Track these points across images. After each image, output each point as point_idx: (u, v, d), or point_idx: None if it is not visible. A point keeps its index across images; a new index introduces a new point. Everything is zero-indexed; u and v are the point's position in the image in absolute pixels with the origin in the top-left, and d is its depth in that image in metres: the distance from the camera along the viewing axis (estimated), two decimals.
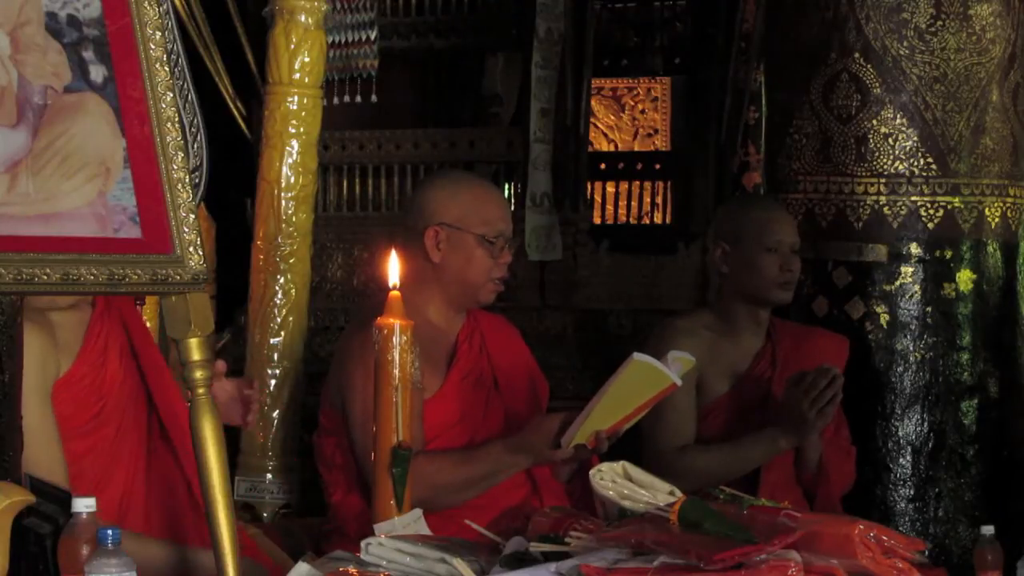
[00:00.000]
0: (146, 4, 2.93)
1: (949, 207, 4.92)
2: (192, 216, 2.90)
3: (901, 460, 4.88)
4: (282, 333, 5.22)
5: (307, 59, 5.26)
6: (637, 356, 3.62)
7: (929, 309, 4.92)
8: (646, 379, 3.66)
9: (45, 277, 2.68)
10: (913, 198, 4.92)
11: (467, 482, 3.90)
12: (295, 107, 5.27)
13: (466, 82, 8.17)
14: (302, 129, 5.29)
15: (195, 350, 2.91)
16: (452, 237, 4.00)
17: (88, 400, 3.36)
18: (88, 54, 2.84)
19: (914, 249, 4.92)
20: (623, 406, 3.72)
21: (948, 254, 4.93)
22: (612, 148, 11.65)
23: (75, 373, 3.35)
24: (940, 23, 4.91)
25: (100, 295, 3.34)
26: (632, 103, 11.69)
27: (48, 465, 3.16)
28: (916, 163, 4.92)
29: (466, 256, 4.00)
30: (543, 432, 3.83)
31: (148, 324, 6.31)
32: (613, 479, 3.08)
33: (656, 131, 11.68)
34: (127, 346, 3.47)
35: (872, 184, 4.93)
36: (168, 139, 2.90)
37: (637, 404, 3.73)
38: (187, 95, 3.02)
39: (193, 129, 3.02)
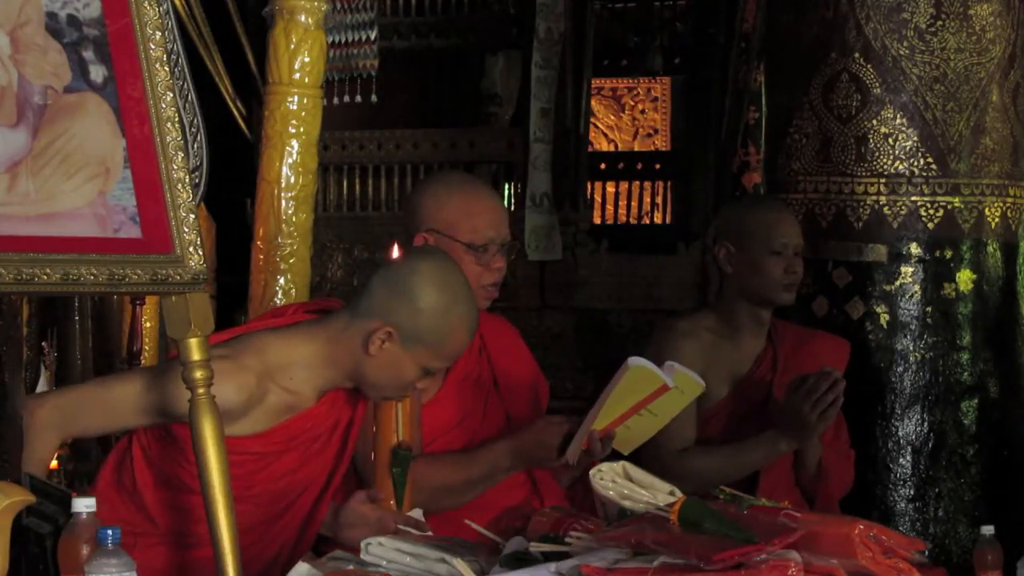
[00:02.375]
0: (146, 4, 2.93)
1: (949, 207, 4.92)
2: (192, 216, 2.90)
3: (901, 460, 4.88)
4: None
5: (307, 59, 5.26)
6: (633, 361, 3.63)
7: (929, 309, 4.92)
8: (642, 381, 3.68)
9: (45, 277, 2.69)
10: (913, 198, 4.92)
11: (466, 485, 3.89)
12: (295, 107, 5.27)
13: (466, 82, 8.17)
14: (302, 129, 5.29)
15: (195, 350, 2.91)
16: (441, 243, 3.96)
17: (249, 468, 3.38)
18: (88, 54, 2.84)
19: (914, 249, 4.92)
20: (619, 408, 3.74)
21: (948, 254, 4.93)
22: (612, 148, 11.66)
23: (246, 441, 3.35)
24: (940, 23, 4.91)
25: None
26: (632, 103, 11.70)
27: None
28: (916, 163, 4.92)
29: None
30: (545, 445, 3.83)
31: (148, 324, 6.32)
32: (613, 479, 3.08)
33: (656, 131, 11.69)
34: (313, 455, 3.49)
35: (872, 184, 4.93)
36: (168, 139, 2.90)
37: (631, 404, 3.74)
38: (187, 95, 3.02)
39: (193, 129, 3.02)
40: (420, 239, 3.96)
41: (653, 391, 3.70)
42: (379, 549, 2.98)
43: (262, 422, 3.32)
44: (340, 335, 3.38)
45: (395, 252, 3.50)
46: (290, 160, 5.26)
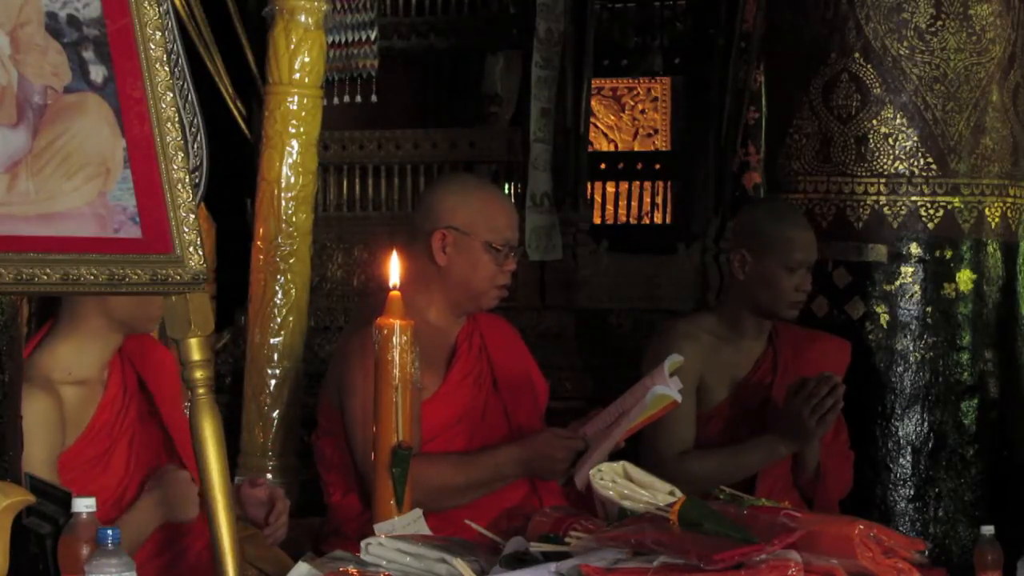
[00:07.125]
0: (146, 4, 2.93)
1: (949, 207, 4.92)
2: (192, 216, 2.90)
3: (901, 460, 4.88)
4: (282, 333, 5.22)
5: (307, 59, 5.26)
6: (657, 389, 3.69)
7: (929, 309, 4.92)
8: (656, 404, 3.75)
9: (45, 277, 2.68)
10: (913, 198, 4.92)
11: (466, 487, 3.90)
12: (295, 107, 5.27)
13: (466, 82, 8.16)
14: (302, 129, 5.29)
15: (195, 350, 2.91)
16: (460, 241, 4.00)
17: (90, 475, 3.40)
18: (88, 54, 2.84)
19: (914, 249, 4.92)
20: (630, 426, 3.80)
21: (948, 254, 4.93)
22: (612, 148, 11.65)
23: (76, 449, 3.39)
24: (940, 23, 4.91)
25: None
26: (632, 103, 11.69)
27: None
28: (916, 163, 4.92)
29: (471, 261, 4.00)
30: (553, 459, 3.86)
31: None
32: (613, 479, 3.08)
33: (656, 131, 11.68)
34: (136, 430, 3.51)
35: (872, 184, 4.93)
36: (168, 139, 2.90)
37: (641, 421, 3.80)
38: (187, 95, 3.02)
39: (193, 129, 3.01)
40: (439, 236, 3.99)
41: (663, 407, 3.78)
42: (379, 549, 2.98)
43: (77, 421, 3.40)
44: None
45: (394, 255, 3.50)
46: (290, 160, 5.26)
